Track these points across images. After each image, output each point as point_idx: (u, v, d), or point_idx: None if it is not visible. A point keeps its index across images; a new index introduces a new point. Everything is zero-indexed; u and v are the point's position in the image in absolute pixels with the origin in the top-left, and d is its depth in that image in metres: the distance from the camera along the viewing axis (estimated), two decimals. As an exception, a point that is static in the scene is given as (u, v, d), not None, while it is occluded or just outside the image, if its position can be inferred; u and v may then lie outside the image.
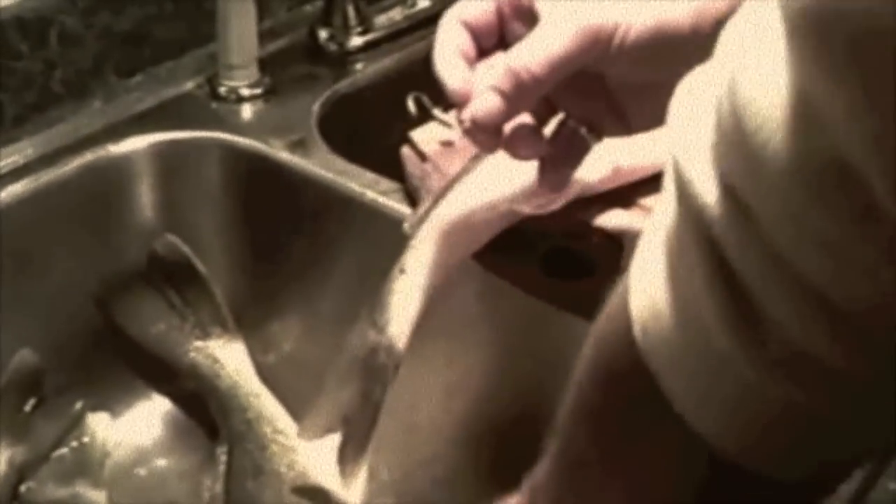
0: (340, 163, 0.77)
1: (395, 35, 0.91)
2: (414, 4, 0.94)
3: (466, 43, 0.55)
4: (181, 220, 0.78)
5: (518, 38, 0.55)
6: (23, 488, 0.72)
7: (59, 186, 0.76)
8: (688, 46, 0.53)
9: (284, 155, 0.78)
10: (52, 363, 0.75)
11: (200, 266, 0.78)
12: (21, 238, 0.74)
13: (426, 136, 0.76)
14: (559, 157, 0.56)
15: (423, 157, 0.75)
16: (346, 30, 0.89)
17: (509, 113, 0.53)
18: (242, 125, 0.82)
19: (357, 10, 0.90)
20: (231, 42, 0.83)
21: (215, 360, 0.76)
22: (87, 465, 0.73)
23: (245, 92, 0.84)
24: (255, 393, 0.75)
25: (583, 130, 0.57)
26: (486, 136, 0.54)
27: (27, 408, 0.74)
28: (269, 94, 0.84)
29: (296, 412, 0.73)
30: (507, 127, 0.54)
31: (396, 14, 0.93)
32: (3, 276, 0.73)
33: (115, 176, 0.78)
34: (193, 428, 0.78)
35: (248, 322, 0.79)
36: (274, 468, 0.70)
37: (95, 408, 0.76)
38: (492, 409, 0.69)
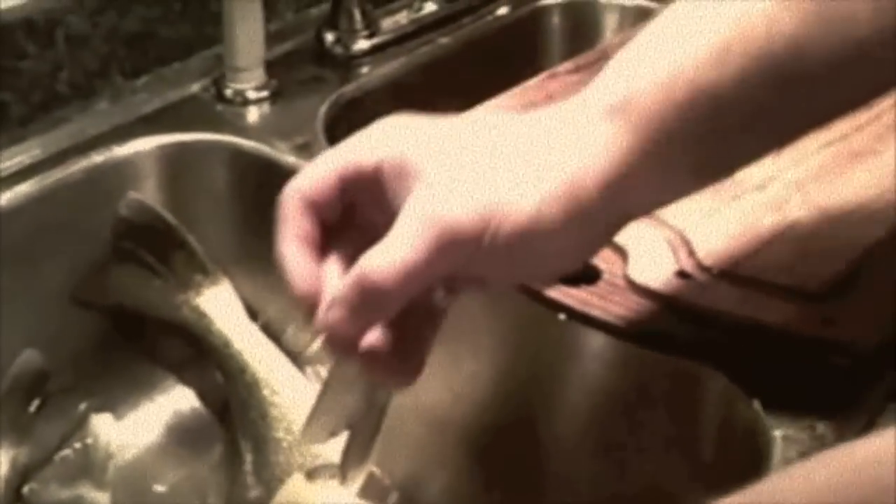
0: (346, 166, 0.77)
1: (402, 39, 0.92)
2: (420, 8, 0.94)
3: (309, 226, 0.50)
4: (186, 223, 0.78)
5: (367, 216, 0.51)
6: (26, 489, 0.72)
7: (64, 187, 0.76)
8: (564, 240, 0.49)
9: (290, 158, 0.78)
10: (56, 364, 0.75)
11: (170, 217, 0.77)
12: (26, 238, 0.74)
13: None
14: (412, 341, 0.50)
15: (428, 161, 0.75)
16: (353, 33, 0.90)
17: (362, 326, 0.48)
18: (248, 128, 0.82)
19: (364, 13, 0.90)
20: (237, 44, 0.83)
21: (203, 315, 0.76)
22: (90, 467, 0.73)
23: (251, 94, 0.84)
24: (248, 348, 0.75)
25: (439, 296, 0.51)
26: (340, 347, 0.49)
27: (31, 409, 0.74)
28: (276, 97, 0.84)
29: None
30: (363, 343, 0.49)
31: (403, 18, 0.93)
32: (7, 276, 0.73)
33: (120, 177, 0.78)
34: (197, 430, 0.78)
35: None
36: (274, 435, 0.71)
37: (99, 409, 0.76)
38: (497, 414, 0.69)
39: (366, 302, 0.47)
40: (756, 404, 0.57)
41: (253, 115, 0.84)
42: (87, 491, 0.71)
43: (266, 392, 0.73)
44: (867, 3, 0.46)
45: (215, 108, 0.84)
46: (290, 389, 0.73)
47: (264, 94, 0.84)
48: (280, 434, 0.71)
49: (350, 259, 0.50)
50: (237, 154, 0.80)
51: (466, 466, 0.71)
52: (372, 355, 0.49)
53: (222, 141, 0.80)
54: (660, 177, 0.49)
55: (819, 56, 0.47)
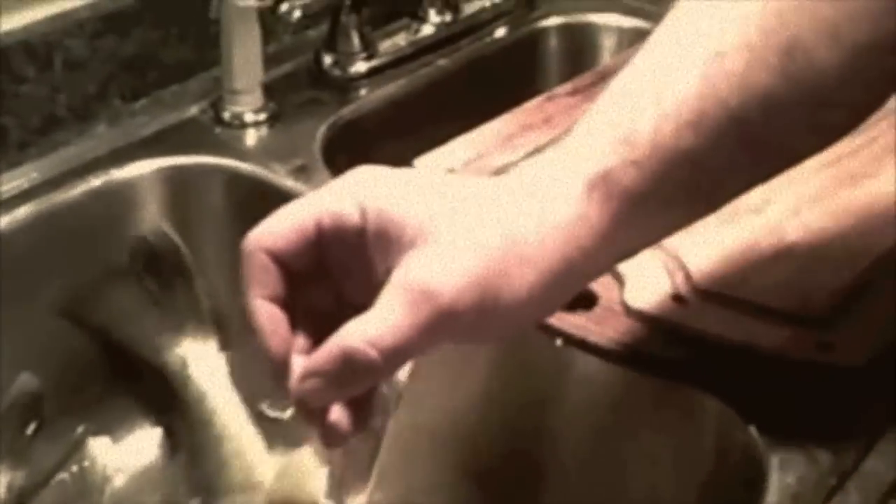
0: (343, 189, 0.77)
1: (400, 61, 0.92)
2: (418, 31, 0.94)
3: (275, 283, 0.48)
4: (184, 244, 0.78)
5: (340, 265, 0.49)
6: (23, 513, 0.72)
7: (62, 211, 0.76)
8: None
9: (288, 181, 0.78)
10: (52, 387, 0.75)
11: (189, 259, 0.77)
12: (24, 262, 0.74)
13: (430, 163, 0.76)
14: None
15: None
16: (351, 55, 0.90)
17: (335, 398, 0.47)
18: (246, 151, 0.82)
19: (362, 35, 0.90)
20: (235, 67, 0.83)
21: (185, 366, 0.76)
22: (87, 490, 0.73)
23: (249, 117, 0.84)
24: (220, 408, 0.74)
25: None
26: (310, 416, 0.48)
27: (28, 432, 0.74)
28: (273, 120, 0.85)
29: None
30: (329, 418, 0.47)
31: (401, 40, 0.93)
32: (4, 299, 0.73)
33: (119, 200, 0.78)
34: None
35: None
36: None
37: (96, 432, 0.76)
38: (494, 437, 0.69)
39: (346, 376, 0.46)
40: (752, 429, 0.57)
41: (251, 137, 0.84)
42: (83, 514, 0.71)
43: (229, 446, 0.72)
44: (831, 54, 0.47)
45: (213, 130, 0.84)
46: (253, 451, 0.72)
47: (262, 116, 0.84)
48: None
49: (322, 315, 0.49)
50: (235, 177, 0.80)
51: (464, 488, 0.70)
52: (335, 428, 0.47)
53: (220, 164, 0.81)
54: (636, 235, 0.50)
55: (792, 113, 0.48)
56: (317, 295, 0.50)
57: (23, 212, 0.74)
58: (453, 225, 0.46)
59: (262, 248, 0.48)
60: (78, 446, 0.75)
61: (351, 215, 0.48)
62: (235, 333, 0.77)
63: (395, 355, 0.45)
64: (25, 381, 0.74)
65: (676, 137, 0.47)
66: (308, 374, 0.47)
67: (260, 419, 0.74)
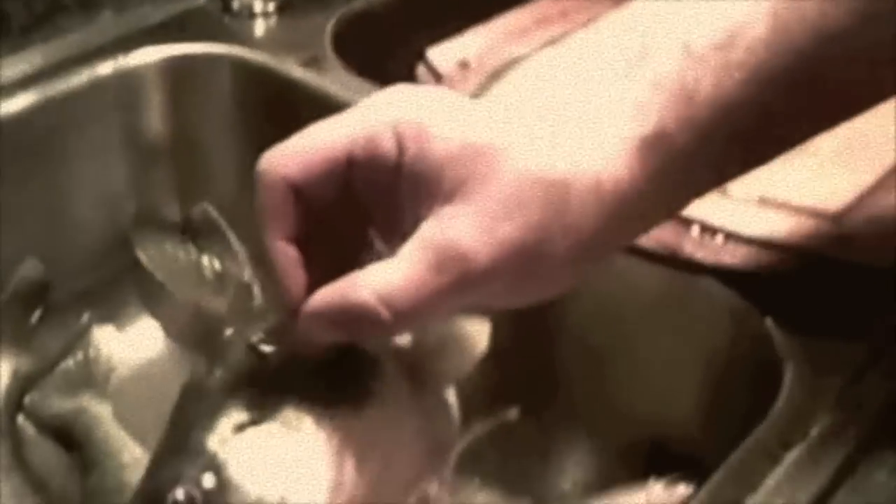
0: (355, 81, 0.76)
1: (413, -49, 0.90)
2: (433, -79, 0.92)
3: (297, 222, 0.44)
4: (191, 135, 0.77)
5: (365, 205, 0.45)
6: (27, 400, 0.71)
7: (67, 97, 0.74)
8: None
9: (298, 72, 0.77)
10: (57, 275, 0.74)
11: (234, 240, 0.76)
12: (27, 148, 0.73)
13: (443, 55, 0.75)
14: None
15: (438, 77, 0.74)
16: (363, -56, 0.88)
17: (338, 338, 0.44)
18: (255, 41, 0.81)
19: (374, -76, 0.88)
20: (245, -44, 0.81)
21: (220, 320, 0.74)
22: (92, 378, 0.72)
23: (258, 7, 0.82)
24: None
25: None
26: (306, 349, 0.45)
27: (32, 319, 0.73)
28: (283, 10, 0.83)
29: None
30: None
31: (414, -71, 0.91)
32: (9, 185, 0.71)
33: (125, 88, 0.77)
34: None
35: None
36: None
37: (102, 320, 0.75)
38: (514, 329, 0.68)
39: (349, 326, 0.42)
40: (769, 321, 0.56)
41: (260, 27, 0.82)
42: (88, 402, 0.71)
43: None
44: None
45: (222, 20, 0.82)
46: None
47: (271, 6, 0.83)
48: None
49: (340, 251, 0.45)
50: (243, 67, 0.79)
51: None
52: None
53: (229, 53, 0.79)
54: (684, 195, 0.47)
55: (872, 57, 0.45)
56: (338, 229, 0.46)
57: (26, 97, 0.73)
58: (496, 183, 0.42)
59: (282, 177, 0.43)
60: (83, 334, 0.74)
61: (388, 151, 0.43)
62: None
63: (408, 316, 0.42)
64: (30, 267, 0.73)
65: (740, 90, 0.44)
66: (311, 314, 0.43)
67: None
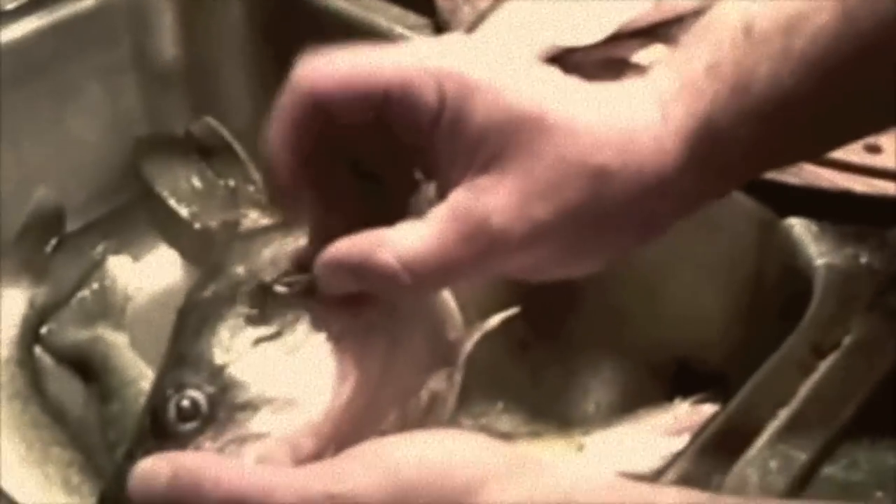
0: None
1: None
2: None
3: (303, 131, 0.41)
4: (202, 56, 0.76)
5: (396, 153, 0.42)
6: (44, 330, 0.71)
7: (76, 19, 0.73)
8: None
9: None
10: (70, 204, 0.74)
11: (239, 149, 0.75)
12: (38, 73, 0.71)
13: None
14: None
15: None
16: None
17: (357, 288, 0.42)
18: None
19: None
20: None
21: (244, 234, 0.72)
22: (108, 308, 0.72)
23: (268, -72, 0.81)
24: None
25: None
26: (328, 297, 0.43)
27: (48, 249, 0.73)
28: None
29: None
30: None
31: None
32: (23, 112, 0.70)
33: (134, 10, 0.75)
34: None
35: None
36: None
37: (117, 251, 0.74)
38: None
39: (367, 282, 0.41)
40: (796, 228, 0.55)
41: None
42: (105, 332, 0.70)
43: None
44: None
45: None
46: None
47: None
48: None
49: (360, 194, 0.43)
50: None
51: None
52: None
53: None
54: (730, 183, 0.45)
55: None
56: (381, 167, 0.44)
57: (34, 20, 0.72)
58: (537, 160, 0.40)
59: (312, 87, 0.41)
60: (98, 264, 0.73)
61: (427, 100, 0.41)
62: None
63: (429, 283, 0.41)
64: (43, 195, 0.72)
65: (797, 82, 0.41)
66: (332, 262, 0.41)
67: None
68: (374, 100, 0.41)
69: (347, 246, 0.41)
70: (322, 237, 0.42)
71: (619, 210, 0.41)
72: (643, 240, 0.43)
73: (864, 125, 0.45)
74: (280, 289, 0.45)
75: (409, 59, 0.41)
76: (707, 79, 0.41)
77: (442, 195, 0.41)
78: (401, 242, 0.40)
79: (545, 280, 0.44)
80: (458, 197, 0.40)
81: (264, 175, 0.73)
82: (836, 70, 0.41)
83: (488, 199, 0.40)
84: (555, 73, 0.42)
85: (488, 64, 0.41)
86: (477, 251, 0.40)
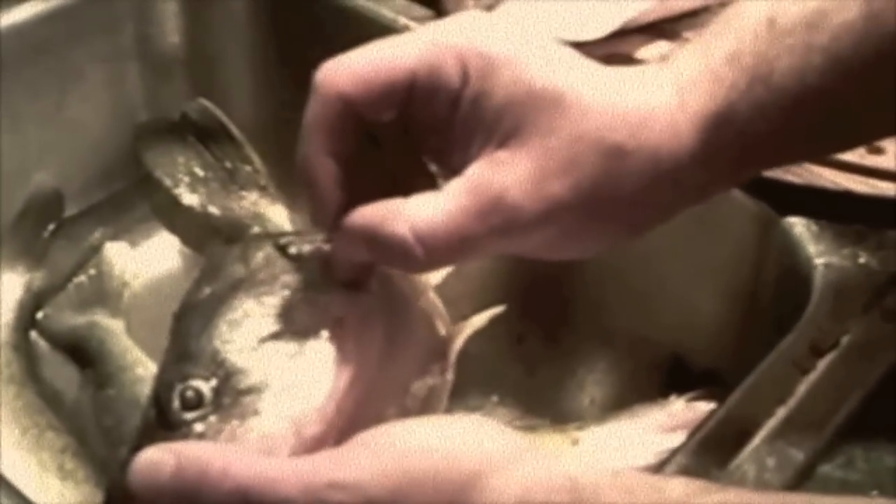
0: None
1: None
2: None
3: (345, 137, 0.42)
4: (204, 43, 0.75)
5: (417, 132, 0.43)
6: (40, 315, 0.71)
7: (79, 4, 0.73)
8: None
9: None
10: (69, 189, 0.74)
11: (235, 130, 0.75)
12: (39, 59, 0.71)
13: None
14: None
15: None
16: None
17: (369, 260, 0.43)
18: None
19: None
20: None
21: (257, 217, 0.73)
22: (105, 294, 0.72)
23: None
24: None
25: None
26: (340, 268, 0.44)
27: (45, 234, 0.73)
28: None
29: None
30: None
31: None
32: (24, 96, 0.70)
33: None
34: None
35: (273, 156, 0.77)
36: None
37: (114, 237, 0.74)
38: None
39: (385, 251, 0.41)
40: (796, 227, 0.55)
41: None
42: (101, 318, 0.70)
43: None
44: None
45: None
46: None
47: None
48: None
49: (385, 172, 0.44)
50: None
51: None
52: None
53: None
54: (743, 175, 0.45)
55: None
56: (389, 152, 0.44)
57: (34, 6, 0.71)
58: (555, 137, 0.41)
59: (337, 92, 0.41)
60: (96, 250, 0.73)
61: (451, 80, 0.41)
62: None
63: (442, 257, 0.41)
64: (41, 180, 0.72)
65: (817, 77, 0.41)
66: (348, 229, 0.42)
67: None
68: (402, 90, 0.41)
69: (364, 214, 0.41)
70: (336, 203, 0.42)
71: (632, 191, 0.42)
72: (651, 226, 0.44)
73: (879, 127, 0.45)
74: (292, 250, 0.46)
75: (430, 39, 0.42)
76: (727, 68, 0.42)
77: (455, 172, 0.42)
78: (417, 214, 0.40)
79: (553, 259, 0.45)
80: (476, 171, 0.41)
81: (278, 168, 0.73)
82: (857, 68, 0.41)
83: (506, 173, 0.40)
84: (574, 53, 0.43)
85: (510, 40, 0.42)
86: (491, 226, 0.40)
